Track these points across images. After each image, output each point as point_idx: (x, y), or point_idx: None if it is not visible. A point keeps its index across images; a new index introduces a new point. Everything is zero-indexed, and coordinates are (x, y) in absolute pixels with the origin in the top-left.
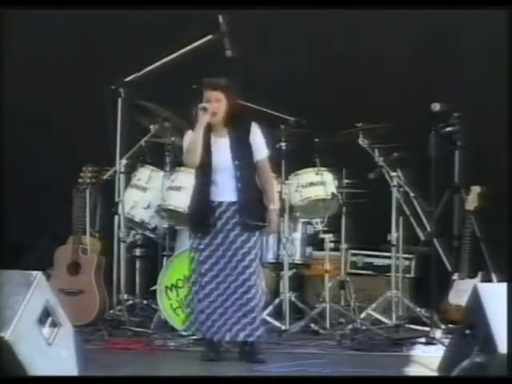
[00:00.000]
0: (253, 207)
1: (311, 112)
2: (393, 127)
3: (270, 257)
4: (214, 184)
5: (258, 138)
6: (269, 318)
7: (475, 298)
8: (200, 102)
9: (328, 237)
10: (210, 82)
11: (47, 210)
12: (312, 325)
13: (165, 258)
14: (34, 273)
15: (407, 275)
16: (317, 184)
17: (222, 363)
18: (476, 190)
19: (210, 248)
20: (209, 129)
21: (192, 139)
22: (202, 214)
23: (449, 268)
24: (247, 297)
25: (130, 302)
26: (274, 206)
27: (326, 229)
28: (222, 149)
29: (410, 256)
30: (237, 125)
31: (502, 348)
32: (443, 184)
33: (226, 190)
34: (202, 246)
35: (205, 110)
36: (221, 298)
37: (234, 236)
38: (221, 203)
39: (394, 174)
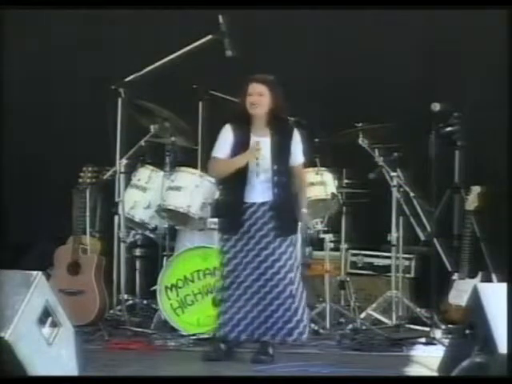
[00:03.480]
0: (289, 212)
1: (311, 112)
2: (393, 127)
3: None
4: (248, 184)
5: (298, 143)
6: None
7: (475, 298)
8: (242, 98)
9: (328, 237)
10: (255, 76)
11: (47, 210)
12: (312, 325)
13: (165, 258)
14: (34, 273)
15: (407, 275)
16: (317, 184)
17: (222, 363)
18: (476, 190)
19: (239, 249)
20: (249, 125)
21: (231, 164)
22: (235, 214)
23: (449, 268)
24: (285, 297)
25: (130, 302)
26: (305, 210)
27: (326, 229)
28: (262, 150)
29: (410, 256)
30: (279, 126)
31: (502, 348)
32: (443, 184)
33: (259, 192)
34: (228, 248)
35: (258, 149)
36: (252, 300)
37: (259, 237)
38: (253, 204)
39: (394, 173)
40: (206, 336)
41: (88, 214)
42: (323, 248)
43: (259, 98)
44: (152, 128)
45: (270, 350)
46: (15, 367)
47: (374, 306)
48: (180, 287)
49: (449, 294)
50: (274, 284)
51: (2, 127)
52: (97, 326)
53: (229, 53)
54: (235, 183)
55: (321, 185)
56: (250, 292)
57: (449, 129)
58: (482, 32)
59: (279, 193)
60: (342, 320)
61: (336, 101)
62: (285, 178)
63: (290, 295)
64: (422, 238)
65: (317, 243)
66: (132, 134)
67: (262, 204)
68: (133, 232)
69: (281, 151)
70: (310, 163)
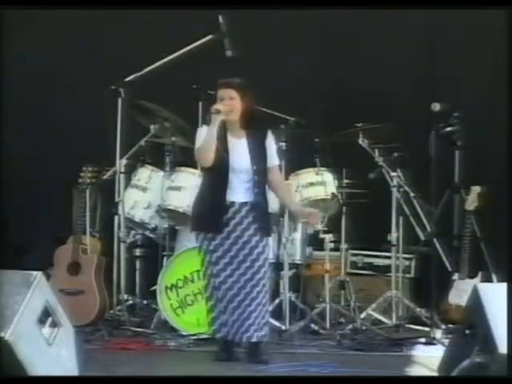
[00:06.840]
0: (268, 212)
1: (311, 112)
2: (393, 127)
3: (270, 257)
4: (229, 184)
5: (273, 144)
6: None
7: (475, 298)
8: (213, 103)
9: (328, 237)
10: (224, 80)
11: (47, 210)
12: (312, 325)
13: (165, 258)
14: (34, 273)
15: (407, 275)
16: (317, 184)
17: (222, 363)
18: (476, 190)
19: (222, 248)
20: (225, 128)
21: (206, 137)
22: (217, 214)
23: (449, 268)
24: (262, 295)
25: (130, 302)
26: (296, 204)
27: (326, 229)
28: (240, 150)
29: (410, 256)
30: (254, 127)
31: (502, 348)
32: (443, 184)
33: (239, 191)
34: (211, 247)
35: (218, 111)
36: (237, 298)
37: (248, 236)
38: (233, 203)
39: (393, 173)
40: (205, 336)
41: (88, 213)
42: (323, 248)
43: (230, 102)
44: (152, 128)
45: (266, 349)
46: (15, 367)
47: (373, 306)
48: (180, 287)
49: (449, 294)
50: (264, 283)
51: (1, 127)
52: (97, 326)
53: (229, 53)
54: (217, 183)
55: (321, 185)
56: (244, 293)
57: (449, 129)
58: (482, 32)
59: (260, 192)
60: (342, 320)
61: (336, 101)
62: (264, 178)
63: (266, 291)
64: (422, 237)
65: (317, 243)
66: (132, 134)
67: (243, 204)
68: (133, 232)
69: (258, 151)
70: (309, 163)
